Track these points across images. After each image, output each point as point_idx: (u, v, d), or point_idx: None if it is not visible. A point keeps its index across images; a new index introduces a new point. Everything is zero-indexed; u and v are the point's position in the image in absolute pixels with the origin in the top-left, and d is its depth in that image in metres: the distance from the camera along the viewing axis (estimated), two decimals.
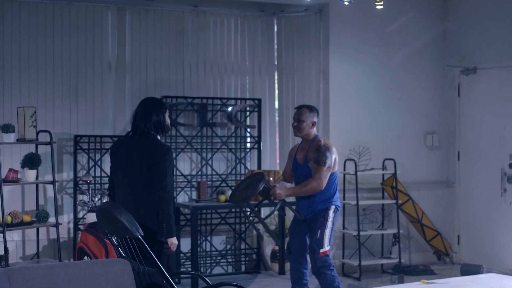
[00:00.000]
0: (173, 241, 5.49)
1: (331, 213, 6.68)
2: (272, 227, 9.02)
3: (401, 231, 9.26)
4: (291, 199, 7.24)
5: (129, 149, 5.58)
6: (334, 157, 6.66)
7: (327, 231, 6.64)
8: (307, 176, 6.67)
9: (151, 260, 4.84)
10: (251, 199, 6.47)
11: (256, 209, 6.68)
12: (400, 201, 9.27)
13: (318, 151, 6.61)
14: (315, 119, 6.79)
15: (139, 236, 4.86)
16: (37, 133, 7.48)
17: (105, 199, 7.80)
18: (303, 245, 6.82)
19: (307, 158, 6.71)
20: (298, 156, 6.85)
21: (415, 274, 8.95)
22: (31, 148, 7.71)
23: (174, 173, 8.74)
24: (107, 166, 8.45)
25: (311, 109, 6.82)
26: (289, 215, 8.83)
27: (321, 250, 6.59)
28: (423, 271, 9.07)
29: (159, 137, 5.61)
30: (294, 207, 6.85)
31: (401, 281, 8.45)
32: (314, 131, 6.81)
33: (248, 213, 6.69)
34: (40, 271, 4.07)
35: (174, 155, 8.72)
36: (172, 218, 5.45)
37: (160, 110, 5.61)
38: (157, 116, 5.57)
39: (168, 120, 5.67)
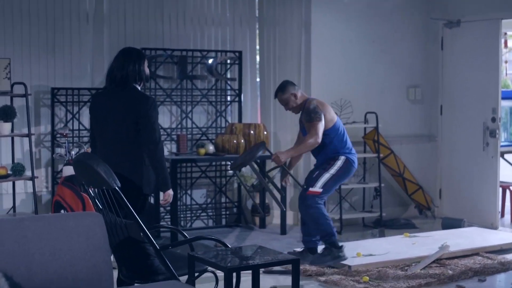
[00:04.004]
0: (170, 192, 5.48)
1: (338, 162, 6.89)
2: (252, 181, 8.96)
3: (382, 185, 9.22)
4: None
5: (110, 102, 5.41)
6: (325, 112, 6.83)
7: (326, 175, 6.82)
8: None
9: (128, 212, 4.77)
10: (250, 162, 6.77)
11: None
12: (381, 155, 9.22)
13: (305, 112, 6.87)
14: (292, 91, 7.00)
15: (116, 187, 4.78)
16: (12, 86, 7.33)
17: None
18: None
19: (303, 122, 6.98)
20: (300, 122, 7.13)
21: (396, 228, 8.93)
22: (6, 100, 7.57)
23: None
24: (85, 119, 8.34)
25: (282, 89, 7.04)
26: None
27: (311, 189, 6.77)
28: (404, 225, 9.06)
29: (139, 88, 5.49)
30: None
31: (382, 235, 8.44)
32: (300, 99, 7.01)
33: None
34: (9, 224, 3.96)
35: None
36: (166, 170, 5.40)
37: (137, 60, 5.45)
38: (134, 66, 5.41)
39: (147, 70, 5.52)
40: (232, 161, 7.32)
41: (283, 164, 6.88)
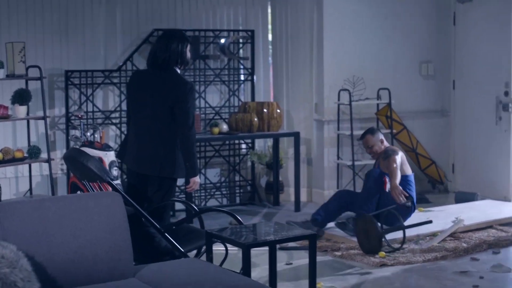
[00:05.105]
0: (196, 179, 5.52)
1: (408, 204, 7.12)
2: (266, 159, 9.01)
3: None
4: None
5: (150, 83, 5.45)
6: (399, 156, 7.17)
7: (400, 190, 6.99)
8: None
9: (126, 200, 4.83)
10: (381, 237, 6.61)
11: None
12: (394, 131, 9.24)
13: (384, 152, 7.31)
14: (381, 137, 7.43)
15: (109, 180, 4.87)
16: (27, 69, 7.38)
17: (97, 134, 7.75)
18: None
19: (379, 165, 7.33)
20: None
21: None
22: (21, 84, 7.62)
23: None
24: (98, 101, 8.40)
25: (373, 132, 7.50)
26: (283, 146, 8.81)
27: (388, 178, 7.08)
28: (418, 200, 9.05)
29: (179, 71, 5.51)
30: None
31: None
32: (384, 146, 7.42)
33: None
34: (31, 206, 4.03)
35: None
36: (195, 157, 5.43)
37: (181, 41, 5.48)
38: (177, 47, 5.43)
39: (188, 54, 5.54)
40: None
41: (405, 192, 6.99)
